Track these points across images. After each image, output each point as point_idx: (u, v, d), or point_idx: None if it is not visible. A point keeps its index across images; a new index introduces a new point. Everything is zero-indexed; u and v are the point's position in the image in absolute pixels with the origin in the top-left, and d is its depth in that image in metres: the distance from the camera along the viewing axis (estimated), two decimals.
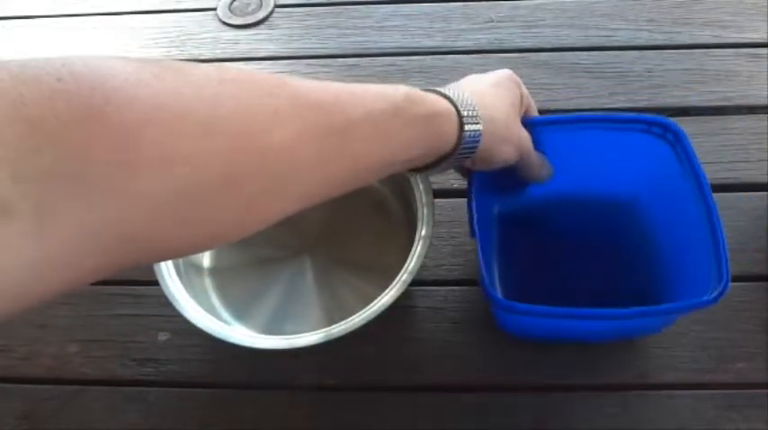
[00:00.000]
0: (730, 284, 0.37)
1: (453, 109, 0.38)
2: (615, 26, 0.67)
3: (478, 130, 0.38)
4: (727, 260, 0.38)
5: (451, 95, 0.38)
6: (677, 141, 0.44)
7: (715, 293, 0.37)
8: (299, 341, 0.42)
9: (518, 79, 0.44)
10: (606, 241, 0.51)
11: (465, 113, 0.38)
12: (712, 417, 0.44)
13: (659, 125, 0.45)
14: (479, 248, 0.41)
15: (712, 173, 0.54)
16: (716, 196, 0.41)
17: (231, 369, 0.49)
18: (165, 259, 0.27)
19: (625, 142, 0.46)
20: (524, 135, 0.43)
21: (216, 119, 0.26)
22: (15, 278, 0.21)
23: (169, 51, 0.70)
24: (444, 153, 0.38)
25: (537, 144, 0.45)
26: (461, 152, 0.38)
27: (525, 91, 0.44)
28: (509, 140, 0.41)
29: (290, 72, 0.66)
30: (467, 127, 0.38)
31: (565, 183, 0.49)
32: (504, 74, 0.44)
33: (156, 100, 0.24)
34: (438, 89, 0.39)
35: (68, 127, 0.21)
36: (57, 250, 0.22)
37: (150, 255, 0.28)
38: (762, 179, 0.55)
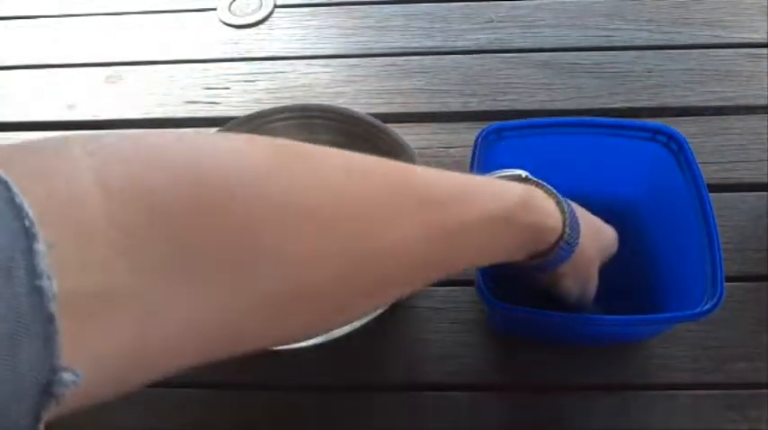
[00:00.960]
0: (723, 300, 0.37)
1: (561, 225, 0.35)
2: (615, 26, 0.67)
3: (566, 257, 0.36)
4: (722, 275, 0.38)
5: (566, 209, 0.36)
6: (681, 151, 0.44)
7: (708, 306, 0.37)
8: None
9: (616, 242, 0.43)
10: None
11: (567, 233, 0.35)
12: (712, 417, 0.44)
13: (664, 134, 0.45)
14: None
15: (712, 173, 0.54)
16: (716, 196, 0.42)
17: (231, 369, 0.49)
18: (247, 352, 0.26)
19: (629, 149, 0.46)
20: (594, 285, 0.42)
21: (338, 218, 0.24)
22: (112, 365, 0.20)
23: (169, 51, 0.70)
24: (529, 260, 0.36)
25: (540, 147, 0.45)
26: (538, 265, 0.36)
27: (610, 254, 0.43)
28: (582, 278, 0.40)
29: (290, 72, 0.67)
30: (560, 249, 0.35)
31: (566, 186, 0.49)
32: (610, 229, 0.42)
33: (284, 197, 0.23)
34: (556, 194, 0.36)
35: (188, 219, 0.20)
36: (157, 344, 0.20)
37: (240, 350, 0.25)
38: (762, 179, 0.55)
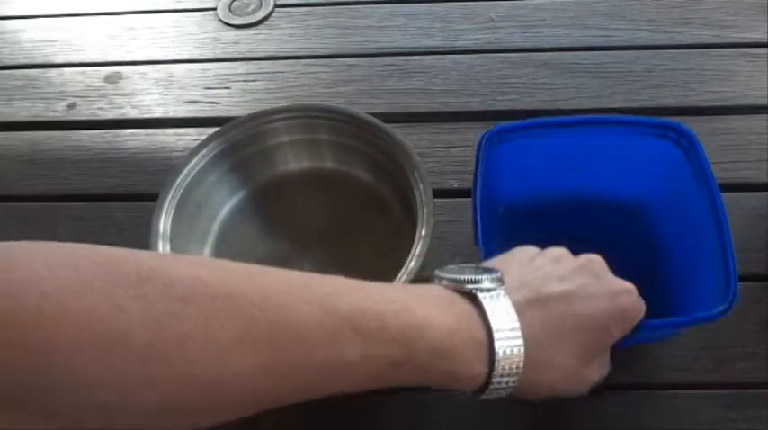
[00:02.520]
0: (736, 301, 0.36)
1: (485, 375, 0.30)
2: (615, 26, 0.67)
3: (503, 393, 0.32)
4: (735, 276, 0.37)
5: (498, 356, 0.30)
6: (691, 148, 0.43)
7: (720, 309, 0.36)
8: None
9: (621, 305, 0.34)
10: (614, 246, 0.50)
11: (495, 382, 0.30)
12: (712, 417, 0.44)
13: (675, 130, 0.44)
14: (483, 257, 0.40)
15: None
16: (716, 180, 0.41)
17: None
18: None
19: (638, 146, 0.45)
20: (592, 379, 0.35)
21: (159, 344, 0.23)
22: None
23: (169, 51, 0.70)
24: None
25: (546, 149, 0.44)
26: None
27: (631, 313, 0.35)
28: (551, 392, 0.34)
29: (290, 72, 0.67)
30: (488, 392, 0.31)
31: (574, 185, 0.48)
32: (605, 309, 0.33)
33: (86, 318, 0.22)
34: (491, 336, 0.30)
35: None
36: None
37: None
38: (762, 179, 0.55)
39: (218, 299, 0.25)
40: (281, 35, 0.71)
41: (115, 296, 0.23)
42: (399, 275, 0.43)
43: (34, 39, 0.73)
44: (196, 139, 0.60)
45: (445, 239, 0.53)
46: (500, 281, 0.32)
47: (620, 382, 0.46)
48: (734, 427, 0.44)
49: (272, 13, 0.73)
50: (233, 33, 0.72)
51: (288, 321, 0.26)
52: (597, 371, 0.36)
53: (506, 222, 0.51)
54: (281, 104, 0.54)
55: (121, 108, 0.65)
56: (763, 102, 0.60)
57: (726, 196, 0.53)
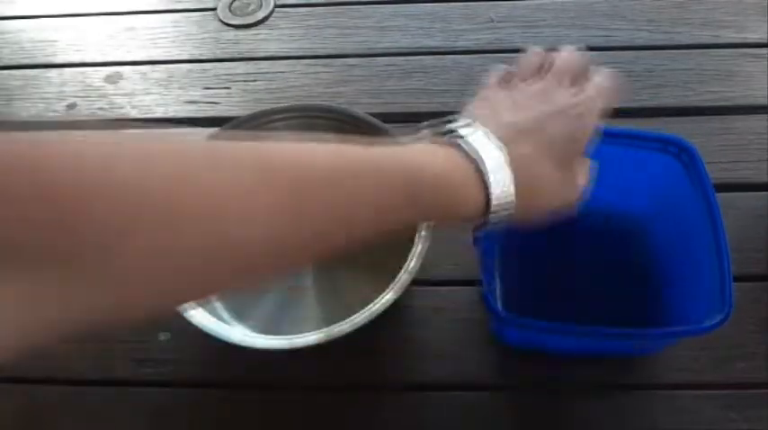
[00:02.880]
0: (730, 315, 0.37)
1: (484, 199, 0.33)
2: (615, 26, 0.67)
3: (501, 220, 0.34)
4: (731, 288, 0.38)
5: (491, 191, 0.33)
6: (691, 163, 0.43)
7: (716, 320, 0.37)
8: (299, 341, 0.42)
9: (574, 118, 0.38)
10: (612, 256, 0.50)
11: (494, 205, 0.33)
12: (712, 417, 0.44)
13: (675, 145, 0.44)
14: (482, 265, 0.40)
15: (712, 173, 0.54)
16: (716, 196, 0.41)
17: (231, 369, 0.49)
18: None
19: (639, 159, 0.46)
20: (579, 183, 0.38)
21: (179, 201, 0.23)
22: None
23: (169, 51, 0.70)
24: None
25: None
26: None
27: (591, 120, 0.38)
28: (552, 208, 0.37)
29: (290, 72, 0.67)
30: (491, 218, 0.33)
31: None
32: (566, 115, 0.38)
33: (123, 187, 0.22)
34: (479, 162, 0.33)
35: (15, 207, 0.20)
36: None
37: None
38: (762, 179, 0.55)
39: (243, 160, 0.26)
40: (281, 35, 0.71)
41: (143, 163, 0.23)
42: (399, 275, 0.43)
43: (35, 39, 0.73)
44: None
45: (445, 239, 0.53)
46: (474, 125, 0.35)
47: (620, 383, 0.46)
48: (734, 427, 0.44)
49: (272, 13, 0.73)
50: (233, 33, 0.72)
51: (308, 170, 0.28)
52: (582, 176, 0.39)
53: (506, 228, 0.50)
54: (281, 104, 0.54)
55: (121, 108, 0.65)
56: (763, 102, 0.60)
57: (726, 196, 0.53)
